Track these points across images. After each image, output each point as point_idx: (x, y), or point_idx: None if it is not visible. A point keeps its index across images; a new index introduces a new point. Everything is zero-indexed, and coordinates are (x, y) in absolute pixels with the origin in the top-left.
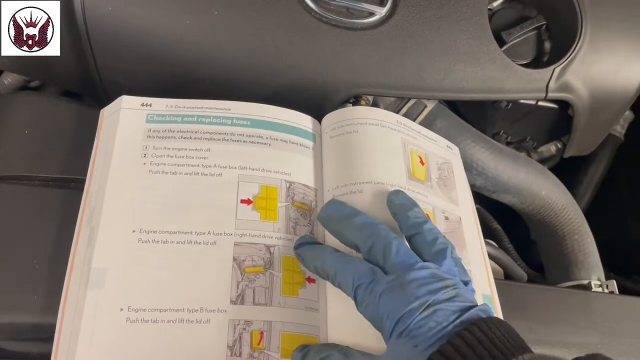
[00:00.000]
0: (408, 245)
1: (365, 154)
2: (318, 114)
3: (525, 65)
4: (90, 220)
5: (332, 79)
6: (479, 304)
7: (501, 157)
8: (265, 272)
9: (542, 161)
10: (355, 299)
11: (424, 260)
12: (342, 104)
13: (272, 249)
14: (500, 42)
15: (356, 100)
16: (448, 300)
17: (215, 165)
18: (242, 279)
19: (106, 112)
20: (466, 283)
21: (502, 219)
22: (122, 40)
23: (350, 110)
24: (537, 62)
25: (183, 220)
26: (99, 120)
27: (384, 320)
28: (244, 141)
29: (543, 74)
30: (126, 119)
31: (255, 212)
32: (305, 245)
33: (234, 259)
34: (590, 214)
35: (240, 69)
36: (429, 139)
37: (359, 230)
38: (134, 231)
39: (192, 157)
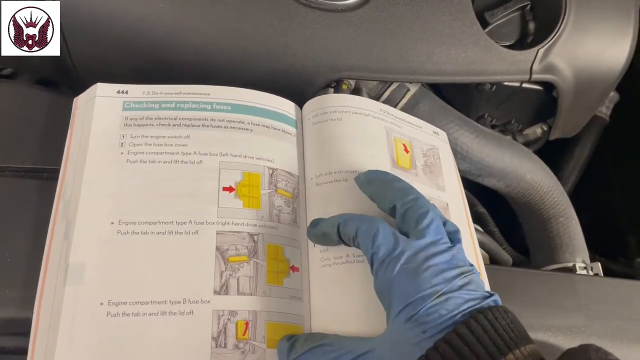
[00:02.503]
0: (440, 221)
1: (349, 142)
2: (299, 100)
3: (509, 47)
4: (66, 213)
5: (312, 63)
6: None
7: (485, 141)
8: (249, 261)
9: (528, 144)
10: (371, 263)
11: None
12: (324, 88)
13: (255, 237)
14: (484, 23)
15: (337, 85)
16: (461, 288)
17: (195, 153)
18: (226, 268)
19: (80, 101)
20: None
21: (487, 202)
22: (94, 24)
23: (333, 98)
24: (521, 44)
25: (163, 210)
26: (73, 110)
27: (393, 299)
28: (224, 127)
29: (527, 55)
30: (102, 108)
31: (237, 200)
32: (321, 220)
33: (217, 248)
34: (575, 195)
35: (218, 53)
36: (414, 126)
37: (401, 192)
38: (112, 223)
39: (171, 145)
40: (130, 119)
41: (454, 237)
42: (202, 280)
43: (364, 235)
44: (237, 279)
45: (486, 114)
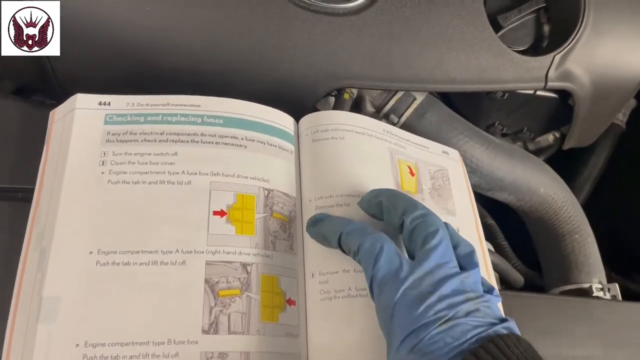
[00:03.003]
0: (449, 241)
1: (351, 164)
2: (297, 111)
3: (523, 52)
4: (40, 241)
5: (312, 71)
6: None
7: (496, 153)
8: (241, 295)
9: (539, 151)
10: (370, 286)
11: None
12: (324, 97)
13: (249, 268)
14: (496, 27)
15: (339, 94)
16: (469, 314)
17: (183, 172)
18: (216, 304)
19: (57, 114)
20: (490, 290)
21: (495, 212)
22: (76, 27)
23: (334, 115)
24: (535, 48)
25: (147, 238)
26: (49, 124)
27: (394, 328)
28: (216, 143)
29: (542, 61)
30: (81, 122)
31: (229, 226)
32: (324, 220)
33: (206, 281)
34: (588, 206)
35: (209, 60)
36: (420, 147)
37: (410, 206)
38: (91, 253)
39: (157, 163)
40: (113, 134)
41: (467, 260)
42: (189, 318)
43: (366, 253)
44: (228, 316)
45: (497, 122)
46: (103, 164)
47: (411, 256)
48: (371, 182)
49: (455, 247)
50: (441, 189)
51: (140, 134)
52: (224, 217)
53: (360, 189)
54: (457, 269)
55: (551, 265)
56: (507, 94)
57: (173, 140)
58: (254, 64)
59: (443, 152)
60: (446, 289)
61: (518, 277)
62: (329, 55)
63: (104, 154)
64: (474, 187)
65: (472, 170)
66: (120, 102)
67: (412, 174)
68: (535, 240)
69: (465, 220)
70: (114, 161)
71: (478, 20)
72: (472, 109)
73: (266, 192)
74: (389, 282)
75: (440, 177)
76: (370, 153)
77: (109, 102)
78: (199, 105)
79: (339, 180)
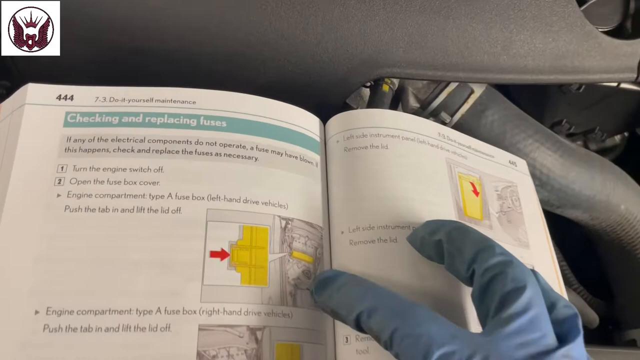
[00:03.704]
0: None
1: (399, 182)
2: (321, 109)
3: (609, 34)
4: None
5: (344, 56)
6: None
7: (572, 162)
8: None
9: (602, 153)
10: None
11: None
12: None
13: (259, 334)
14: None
15: (376, 85)
16: None
17: (170, 196)
18: None
19: (3, 110)
20: None
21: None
22: None
23: (374, 115)
24: (620, 30)
25: (117, 291)
26: None
27: None
28: (216, 154)
29: (635, 47)
30: (32, 122)
31: (233, 272)
32: (334, 283)
33: (199, 356)
34: None
35: (208, 40)
36: (484, 156)
37: (487, 248)
38: (37, 312)
39: (135, 183)
40: (75, 141)
41: (568, 327)
42: None
43: (408, 346)
44: None
45: (564, 120)
46: (60, 182)
47: (484, 322)
48: (425, 206)
49: (550, 308)
50: (511, 213)
51: (112, 140)
52: (225, 259)
53: (411, 218)
54: (553, 342)
55: (629, 300)
56: (583, 86)
57: (157, 151)
58: (267, 47)
59: (510, 162)
60: None
61: (594, 318)
62: (366, 35)
63: (62, 168)
64: (541, 203)
65: (542, 183)
66: (87, 96)
67: (476, 193)
68: (608, 266)
69: (540, 254)
70: (75, 179)
71: None
72: (534, 104)
73: (283, 222)
74: None
75: (510, 196)
76: (423, 166)
77: (72, 96)
78: (194, 102)
79: (382, 204)
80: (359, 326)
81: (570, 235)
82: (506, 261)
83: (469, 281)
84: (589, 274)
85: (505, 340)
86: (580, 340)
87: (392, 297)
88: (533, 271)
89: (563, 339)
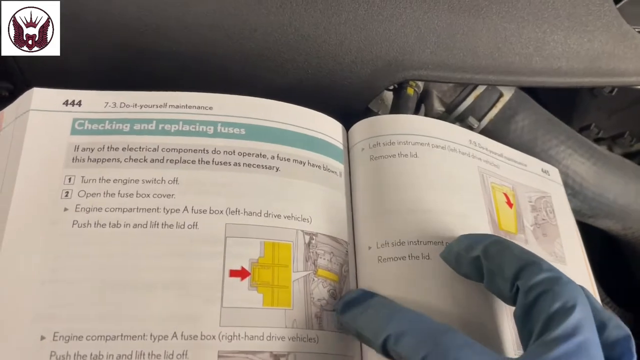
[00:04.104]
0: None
1: (432, 195)
2: (341, 114)
3: None
4: None
5: (369, 57)
6: None
7: (606, 170)
8: None
9: (628, 157)
10: None
11: None
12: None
13: None
14: None
15: (400, 88)
16: None
17: (186, 209)
18: None
19: (6, 116)
20: None
21: None
22: None
23: (402, 120)
24: None
25: (130, 315)
26: None
27: None
28: (235, 164)
29: None
30: (37, 129)
31: (254, 293)
32: (360, 304)
33: None
34: None
35: (224, 41)
36: (517, 164)
37: (532, 264)
38: (43, 338)
39: (148, 195)
40: (83, 150)
41: (621, 351)
42: None
43: None
44: None
45: (592, 125)
46: (67, 195)
47: (525, 345)
48: (459, 220)
49: (600, 329)
50: (546, 225)
51: (123, 150)
52: (246, 279)
53: (445, 232)
54: None
55: None
56: (616, 89)
57: (172, 160)
58: (287, 48)
59: (543, 170)
60: None
61: None
62: (391, 35)
63: (69, 180)
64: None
65: (574, 192)
66: (96, 101)
67: (510, 205)
68: (639, 278)
69: (577, 269)
70: (84, 192)
71: None
72: (563, 107)
73: (307, 237)
74: None
75: (544, 207)
76: (455, 176)
77: (79, 101)
78: (211, 107)
79: (413, 217)
80: (385, 351)
81: (593, 245)
82: (554, 278)
83: (513, 300)
84: (614, 284)
85: None
86: None
87: (422, 320)
88: (582, 288)
89: None
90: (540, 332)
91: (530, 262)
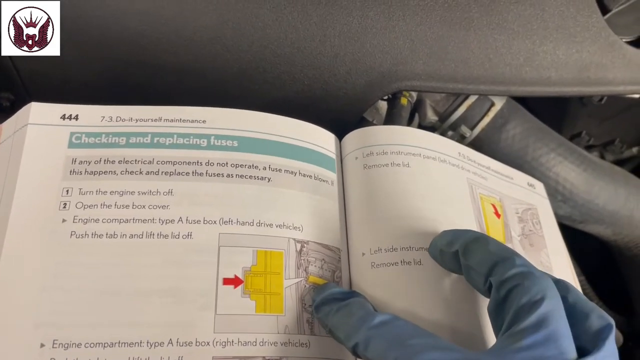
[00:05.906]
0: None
1: (424, 203)
2: (334, 125)
3: (632, 44)
4: None
5: (362, 68)
6: None
7: (595, 176)
8: None
9: (619, 164)
10: None
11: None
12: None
13: None
14: (601, 9)
15: (394, 98)
16: None
17: (181, 220)
18: None
19: (5, 130)
20: None
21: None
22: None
23: (394, 132)
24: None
25: (127, 322)
26: None
27: None
28: (228, 175)
29: None
30: (35, 143)
31: (247, 300)
32: (335, 303)
33: None
34: None
35: (219, 54)
36: (503, 177)
37: (504, 259)
38: (42, 345)
39: (144, 207)
40: (80, 163)
41: (603, 337)
42: None
43: None
44: None
45: (583, 132)
46: (65, 207)
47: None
48: (449, 227)
49: (583, 320)
50: (533, 236)
51: (119, 162)
52: (239, 287)
53: None
54: (571, 354)
55: None
56: (605, 98)
57: (167, 173)
58: (283, 60)
59: (529, 184)
60: None
61: (619, 337)
62: (385, 47)
63: (67, 192)
64: (562, 218)
65: (565, 199)
66: (93, 115)
67: (498, 215)
68: (630, 283)
69: (563, 277)
70: (81, 203)
71: (583, 0)
72: (553, 116)
73: (299, 245)
74: None
75: (530, 218)
76: (445, 186)
77: (76, 115)
78: (204, 121)
79: (405, 224)
80: (357, 355)
81: (589, 249)
82: (525, 272)
83: (487, 294)
84: (607, 288)
85: (514, 358)
86: (605, 351)
87: (391, 324)
88: (565, 283)
89: (588, 350)
90: (510, 324)
91: (503, 258)
